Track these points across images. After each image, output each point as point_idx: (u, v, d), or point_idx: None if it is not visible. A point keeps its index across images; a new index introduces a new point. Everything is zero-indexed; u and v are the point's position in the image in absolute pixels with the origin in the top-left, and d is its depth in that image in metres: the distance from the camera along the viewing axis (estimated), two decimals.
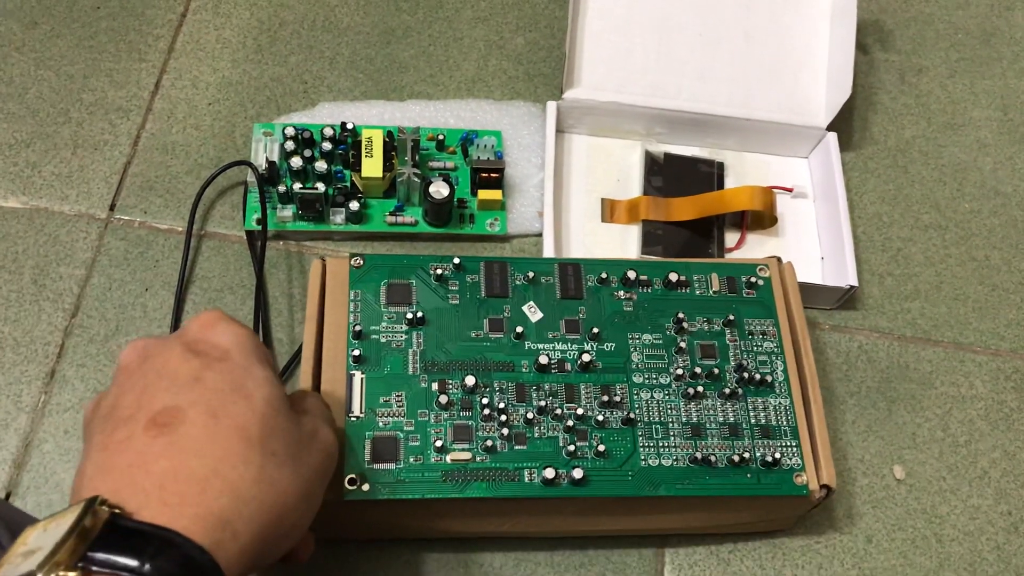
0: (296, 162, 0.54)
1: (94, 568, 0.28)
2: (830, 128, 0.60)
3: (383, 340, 0.45)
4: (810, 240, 0.59)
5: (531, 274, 0.48)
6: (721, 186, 0.59)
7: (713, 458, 0.44)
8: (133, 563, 0.28)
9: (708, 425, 0.45)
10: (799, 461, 0.45)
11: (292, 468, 0.34)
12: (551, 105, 0.58)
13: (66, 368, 0.51)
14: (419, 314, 0.46)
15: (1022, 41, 0.69)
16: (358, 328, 0.45)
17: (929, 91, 0.66)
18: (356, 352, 0.44)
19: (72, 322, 0.52)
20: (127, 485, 0.30)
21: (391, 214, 0.55)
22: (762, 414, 0.46)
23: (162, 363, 0.34)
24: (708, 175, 0.60)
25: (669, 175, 0.59)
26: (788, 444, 0.45)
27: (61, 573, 0.27)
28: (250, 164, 0.54)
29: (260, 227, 0.53)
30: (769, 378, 0.47)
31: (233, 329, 0.36)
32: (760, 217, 0.58)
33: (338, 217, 0.55)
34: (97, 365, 0.51)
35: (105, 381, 0.50)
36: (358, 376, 0.44)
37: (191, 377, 0.33)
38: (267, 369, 0.35)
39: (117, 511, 0.29)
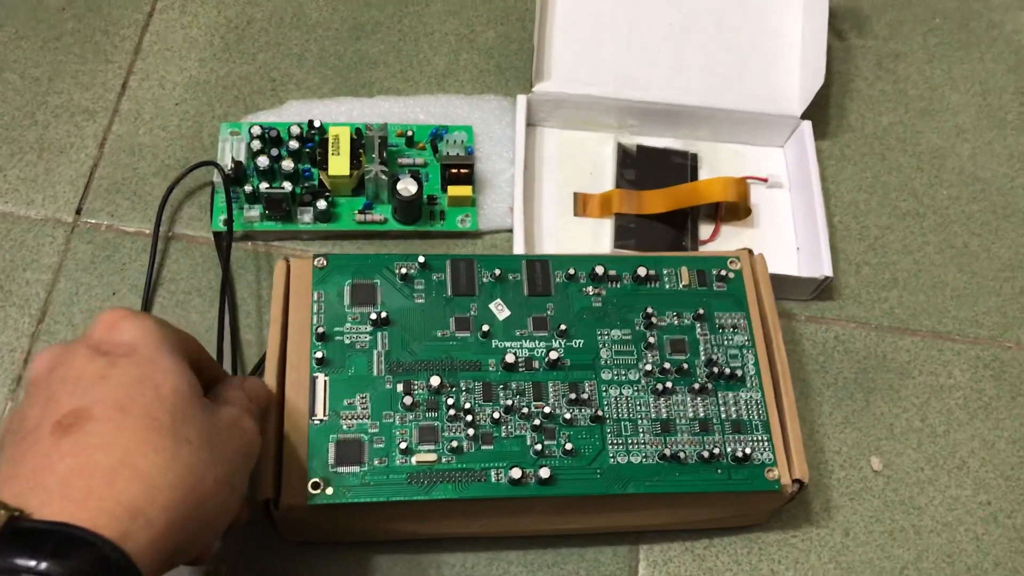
0: (263, 161, 0.53)
1: None
2: (805, 116, 0.59)
3: (347, 341, 0.45)
4: (786, 230, 0.58)
5: (498, 271, 0.47)
6: (695, 177, 0.59)
7: (683, 454, 0.44)
8: (30, 563, 0.27)
9: (678, 421, 0.45)
10: (771, 456, 0.44)
11: (209, 453, 0.33)
12: (521, 99, 0.58)
13: None
14: (383, 314, 0.45)
15: (1001, 24, 0.68)
16: (321, 330, 0.45)
17: (907, 77, 0.65)
18: (319, 354, 0.44)
19: (39, 328, 0.51)
20: (31, 488, 0.30)
21: (360, 212, 0.55)
22: (733, 409, 0.46)
23: (67, 369, 0.34)
24: (681, 167, 0.59)
25: (642, 167, 0.58)
26: (759, 439, 0.45)
27: None
28: (216, 164, 0.54)
29: (227, 228, 0.53)
30: (740, 372, 0.46)
31: (138, 323, 0.35)
32: (734, 208, 0.57)
33: (306, 216, 0.54)
34: None
35: None
36: (321, 378, 0.44)
37: (97, 377, 0.33)
38: (177, 359, 0.35)
39: (16, 513, 0.29)
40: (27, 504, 0.29)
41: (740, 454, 0.44)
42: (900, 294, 0.57)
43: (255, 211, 0.54)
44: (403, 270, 0.47)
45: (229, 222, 0.53)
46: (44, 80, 0.59)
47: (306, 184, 0.55)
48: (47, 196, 0.55)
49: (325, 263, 0.47)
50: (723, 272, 0.49)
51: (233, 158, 0.54)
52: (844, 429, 0.53)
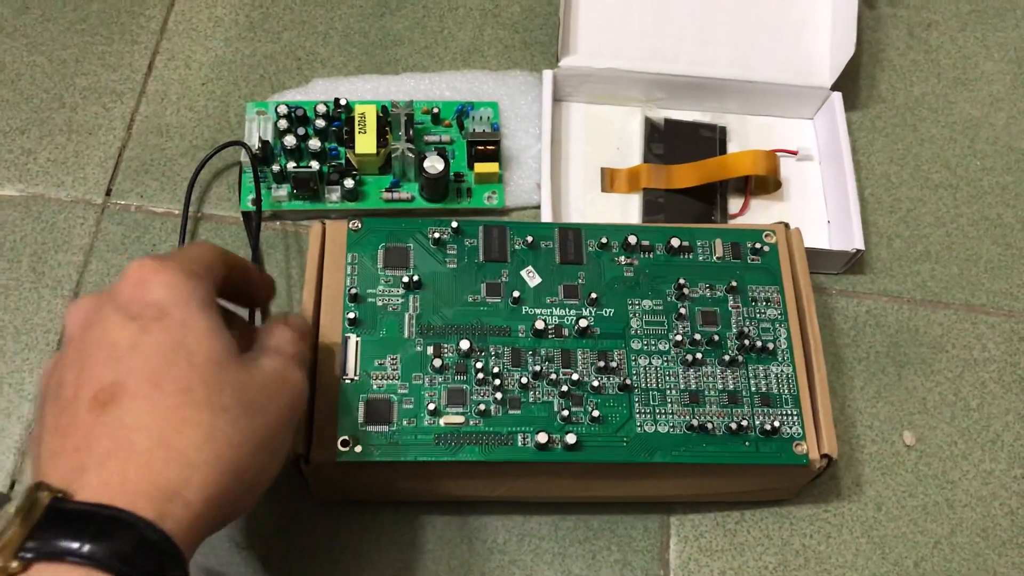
0: (290, 141, 0.53)
1: (34, 555, 0.28)
2: (835, 88, 0.58)
3: (379, 304, 0.45)
4: (816, 203, 0.58)
5: (530, 239, 0.47)
6: (724, 151, 0.58)
7: (711, 425, 0.44)
8: (74, 545, 0.28)
9: (707, 392, 0.45)
10: (799, 430, 0.44)
11: (249, 420, 0.33)
12: (547, 74, 0.57)
13: None
14: (415, 278, 0.46)
15: None
16: (354, 291, 0.45)
17: (939, 45, 0.64)
18: (352, 315, 0.45)
19: None
20: (72, 468, 0.30)
21: (387, 190, 0.55)
22: (763, 382, 0.45)
23: (101, 332, 0.33)
24: (710, 140, 0.58)
25: (670, 141, 0.58)
26: (789, 412, 0.45)
27: (4, 563, 0.27)
28: (243, 144, 0.54)
29: (255, 208, 0.53)
30: (771, 346, 0.46)
31: (167, 279, 0.34)
32: (764, 182, 0.57)
33: (333, 195, 0.54)
34: None
35: None
36: (353, 339, 0.44)
37: (129, 345, 0.32)
38: (209, 315, 0.34)
39: (60, 495, 0.29)
40: (69, 485, 0.30)
41: (768, 427, 0.44)
42: (933, 267, 0.57)
43: (283, 191, 0.54)
44: (436, 235, 0.47)
45: (258, 202, 0.53)
46: (71, 62, 0.59)
47: (333, 163, 0.55)
48: (77, 178, 0.55)
49: (360, 226, 0.47)
50: (758, 245, 0.48)
51: (260, 137, 0.54)
52: (876, 403, 0.52)
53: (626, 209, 0.56)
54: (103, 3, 0.61)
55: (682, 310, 0.46)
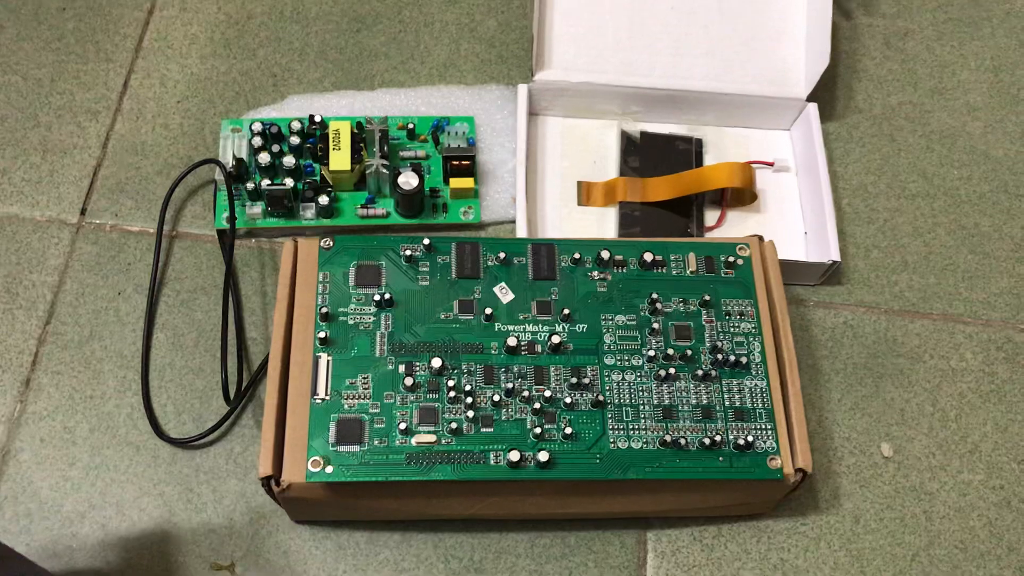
0: (264, 158, 0.53)
1: None
2: (811, 98, 0.58)
3: (351, 322, 0.45)
4: (793, 215, 0.58)
5: (503, 255, 0.47)
6: (700, 163, 0.58)
7: (684, 441, 0.44)
8: None
9: (680, 407, 0.45)
10: (773, 444, 0.44)
11: None
12: (522, 88, 0.57)
13: (41, 376, 0.51)
14: (387, 296, 0.45)
15: None
16: (325, 310, 0.45)
17: (915, 55, 0.64)
18: (323, 334, 0.44)
19: (46, 329, 0.52)
20: None
21: (362, 207, 0.54)
22: (737, 396, 0.45)
23: None
24: (686, 152, 0.58)
25: (646, 154, 0.58)
26: (763, 427, 0.44)
27: None
28: (218, 162, 0.54)
29: (230, 226, 0.53)
30: (745, 360, 0.46)
31: None
32: (740, 194, 0.57)
33: (308, 212, 0.54)
34: (72, 372, 0.51)
35: (80, 388, 0.50)
36: (324, 358, 0.44)
37: None
38: None
39: None
40: None
41: (742, 442, 0.44)
42: (910, 277, 0.57)
43: (258, 208, 0.54)
44: (408, 252, 0.47)
45: (232, 220, 0.53)
46: (46, 81, 0.59)
47: (308, 180, 0.54)
48: (51, 197, 0.55)
49: (332, 244, 0.47)
50: (731, 259, 0.48)
51: (235, 155, 0.54)
52: (854, 415, 0.52)
53: (602, 223, 0.56)
54: (78, 22, 0.61)
55: (655, 325, 0.46)
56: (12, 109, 0.58)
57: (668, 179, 0.56)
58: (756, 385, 0.46)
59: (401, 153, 0.56)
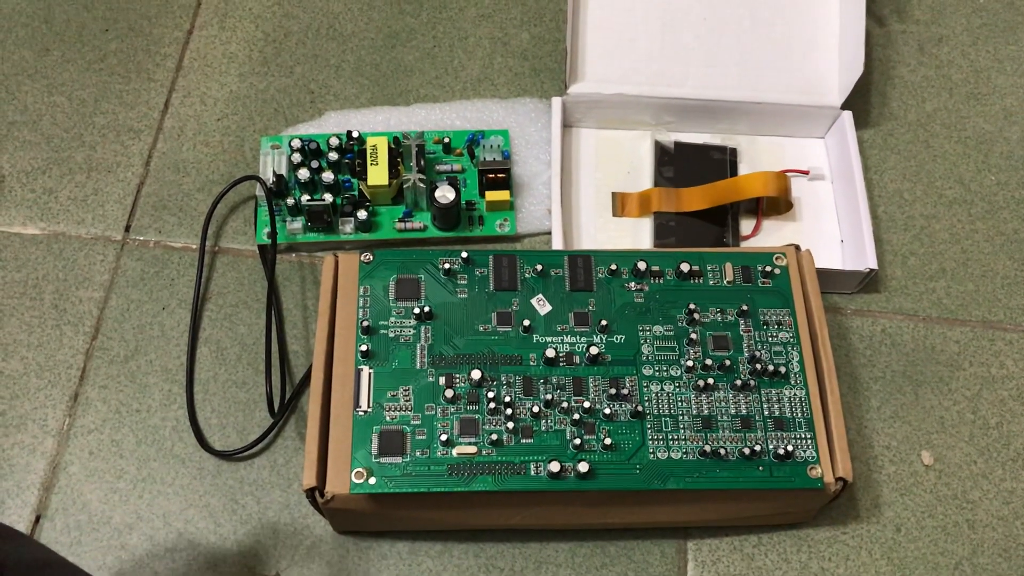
0: (303, 174, 0.54)
1: None
2: (845, 106, 0.58)
3: (392, 335, 0.46)
4: (829, 223, 0.58)
5: (540, 267, 0.48)
6: (734, 172, 0.58)
7: (724, 451, 0.44)
8: None
9: (719, 417, 0.45)
10: (813, 453, 0.44)
11: None
12: (556, 101, 0.58)
13: (88, 390, 0.52)
14: (427, 308, 0.46)
15: None
16: (367, 323, 0.46)
17: (950, 61, 0.64)
18: (364, 347, 0.45)
19: (93, 344, 0.53)
20: None
21: (400, 220, 0.55)
22: (776, 406, 0.45)
23: None
24: (720, 162, 0.59)
25: (681, 164, 0.58)
26: (802, 436, 0.44)
27: None
28: (258, 178, 0.55)
29: (271, 241, 0.54)
30: (784, 369, 0.46)
31: None
32: (775, 203, 0.57)
33: (347, 227, 0.55)
34: (118, 386, 0.52)
35: (127, 401, 0.51)
36: (366, 371, 0.45)
37: None
38: None
39: None
40: None
41: (782, 451, 0.44)
42: (948, 284, 0.56)
43: (298, 223, 0.55)
44: (447, 265, 0.47)
45: (273, 235, 0.54)
46: (90, 101, 0.60)
47: (346, 195, 0.55)
48: (96, 215, 0.57)
49: (372, 258, 0.48)
50: (768, 268, 0.48)
51: (275, 171, 0.55)
52: (893, 423, 0.52)
53: (637, 233, 0.57)
54: (120, 42, 0.62)
55: (693, 335, 0.47)
56: (58, 129, 0.59)
57: (703, 189, 0.56)
58: (795, 394, 0.46)
59: (437, 167, 0.57)
